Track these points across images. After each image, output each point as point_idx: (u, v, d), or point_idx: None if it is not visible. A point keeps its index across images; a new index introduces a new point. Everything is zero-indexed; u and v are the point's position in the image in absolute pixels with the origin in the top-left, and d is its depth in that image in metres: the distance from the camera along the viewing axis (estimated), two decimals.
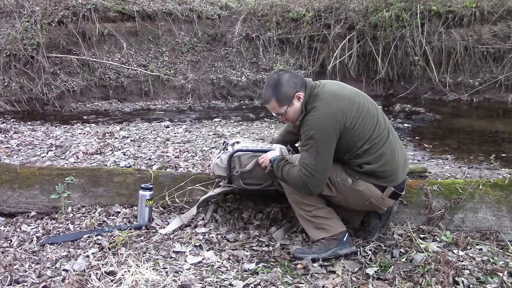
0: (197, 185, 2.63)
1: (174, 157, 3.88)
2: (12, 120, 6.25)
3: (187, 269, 1.95)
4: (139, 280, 1.81)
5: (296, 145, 2.59)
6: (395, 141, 2.12)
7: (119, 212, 2.54)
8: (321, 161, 1.96)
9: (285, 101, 2.05)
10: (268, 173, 2.28)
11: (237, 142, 2.45)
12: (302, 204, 2.14)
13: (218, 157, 2.43)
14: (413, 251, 2.13)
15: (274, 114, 2.13)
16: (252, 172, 2.33)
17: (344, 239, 2.12)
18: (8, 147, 4.43)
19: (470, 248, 2.21)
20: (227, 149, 2.43)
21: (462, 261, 2.04)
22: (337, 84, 2.16)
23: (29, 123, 6.01)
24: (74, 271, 1.91)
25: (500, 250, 2.20)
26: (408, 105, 7.50)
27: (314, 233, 2.14)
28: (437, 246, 2.18)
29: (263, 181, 2.35)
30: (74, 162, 3.84)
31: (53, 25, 7.53)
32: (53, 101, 7.11)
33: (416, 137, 5.36)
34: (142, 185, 2.43)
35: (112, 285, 1.80)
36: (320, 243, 2.12)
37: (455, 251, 2.14)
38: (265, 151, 2.32)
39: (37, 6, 7.66)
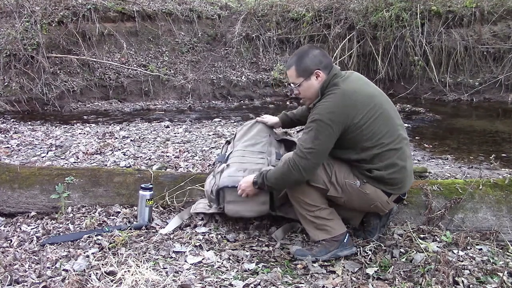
0: (197, 185, 2.63)
1: (174, 157, 3.88)
2: (12, 120, 6.25)
3: (187, 269, 1.95)
4: (139, 280, 1.81)
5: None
6: (408, 150, 2.10)
7: (119, 212, 2.54)
8: (318, 145, 1.94)
9: (304, 73, 2.05)
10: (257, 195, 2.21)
11: (228, 166, 2.35)
12: (304, 204, 2.12)
13: (213, 181, 2.36)
14: (413, 251, 2.13)
15: (290, 82, 2.14)
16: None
17: (345, 241, 2.11)
18: (8, 147, 4.43)
19: (470, 248, 2.21)
20: (219, 171, 2.36)
21: (462, 261, 2.04)
22: (361, 79, 2.11)
23: (29, 123, 6.01)
24: (74, 271, 1.91)
25: (500, 250, 2.20)
26: (408, 105, 7.51)
27: (315, 233, 2.14)
28: (437, 246, 2.18)
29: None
30: (74, 162, 3.84)
31: (53, 25, 7.54)
32: (53, 101, 7.12)
33: (416, 137, 5.36)
34: (142, 185, 2.43)
35: (112, 285, 1.80)
36: (321, 245, 2.11)
37: (455, 251, 2.14)
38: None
39: (37, 6, 7.66)
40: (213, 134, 5.06)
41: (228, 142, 2.69)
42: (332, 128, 1.94)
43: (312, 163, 1.98)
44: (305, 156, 1.96)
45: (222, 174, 2.30)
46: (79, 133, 5.13)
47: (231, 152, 2.49)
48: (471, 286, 1.84)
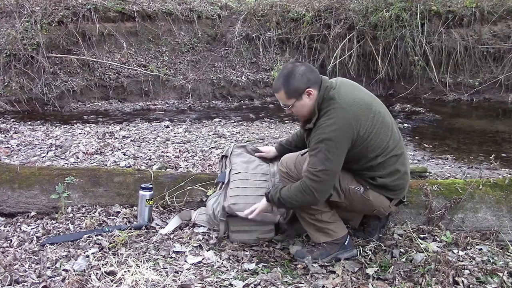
0: (197, 185, 2.63)
1: (174, 157, 3.89)
2: (12, 120, 6.25)
3: (187, 269, 1.96)
4: (139, 280, 1.81)
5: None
6: (406, 152, 2.09)
7: (119, 212, 2.54)
8: (329, 167, 1.87)
9: (294, 94, 1.96)
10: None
11: (234, 197, 2.27)
12: (306, 207, 2.09)
13: (217, 207, 2.32)
14: (413, 251, 2.13)
15: (282, 104, 2.05)
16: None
17: (346, 243, 2.11)
18: (8, 147, 4.43)
19: (470, 248, 2.21)
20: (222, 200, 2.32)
21: (462, 261, 2.04)
22: (353, 87, 2.05)
23: (29, 123, 6.01)
24: (74, 271, 1.91)
25: (500, 250, 2.20)
26: (408, 105, 7.50)
27: (316, 235, 2.13)
28: (437, 246, 2.18)
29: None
30: (74, 162, 3.84)
31: (53, 25, 7.53)
32: (53, 101, 7.11)
33: (416, 137, 5.36)
34: (142, 185, 2.43)
35: (112, 285, 1.80)
36: (322, 247, 2.11)
37: (455, 251, 2.14)
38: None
39: (37, 6, 7.65)
40: (213, 134, 5.06)
41: (225, 157, 2.61)
42: (341, 144, 1.88)
43: (326, 185, 1.92)
44: (318, 179, 1.89)
45: (228, 200, 2.27)
46: (79, 133, 5.13)
47: (230, 170, 2.45)
48: (471, 286, 1.84)
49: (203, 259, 2.06)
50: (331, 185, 1.96)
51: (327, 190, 1.96)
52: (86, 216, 2.50)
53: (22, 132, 5.18)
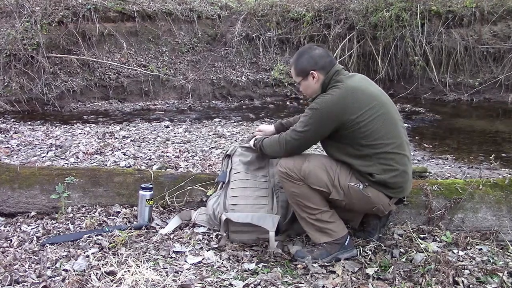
0: (197, 185, 2.63)
1: (174, 157, 3.89)
2: (12, 120, 6.25)
3: (187, 269, 1.96)
4: (139, 280, 1.81)
5: None
6: (409, 154, 2.10)
7: (119, 212, 2.54)
8: (307, 132, 2.01)
9: (300, 73, 2.14)
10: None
11: (233, 197, 2.29)
12: (305, 207, 2.09)
13: (218, 208, 2.33)
14: (413, 251, 2.13)
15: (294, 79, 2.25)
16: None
17: (346, 243, 2.11)
18: (8, 147, 4.44)
19: (470, 248, 2.21)
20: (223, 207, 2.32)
21: (462, 261, 2.04)
22: (366, 79, 2.15)
23: (29, 123, 6.01)
24: (74, 271, 1.91)
25: (500, 250, 2.20)
26: (408, 105, 7.51)
27: (316, 235, 2.12)
28: (437, 246, 2.18)
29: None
30: (74, 162, 3.84)
31: (53, 25, 7.54)
32: (53, 101, 7.11)
33: (416, 137, 5.36)
34: (142, 185, 2.43)
35: (112, 285, 1.80)
36: (322, 247, 2.10)
37: (455, 251, 2.14)
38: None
39: (37, 6, 7.66)
40: (213, 134, 5.06)
41: (228, 156, 2.60)
42: (326, 119, 1.97)
43: (298, 144, 2.07)
44: (292, 138, 2.06)
45: (227, 201, 2.28)
46: (79, 133, 5.13)
47: (231, 169, 2.44)
48: (471, 286, 1.84)
49: (203, 259, 2.06)
50: (300, 149, 2.11)
51: (295, 151, 2.11)
52: (86, 216, 2.50)
53: (22, 132, 5.18)
